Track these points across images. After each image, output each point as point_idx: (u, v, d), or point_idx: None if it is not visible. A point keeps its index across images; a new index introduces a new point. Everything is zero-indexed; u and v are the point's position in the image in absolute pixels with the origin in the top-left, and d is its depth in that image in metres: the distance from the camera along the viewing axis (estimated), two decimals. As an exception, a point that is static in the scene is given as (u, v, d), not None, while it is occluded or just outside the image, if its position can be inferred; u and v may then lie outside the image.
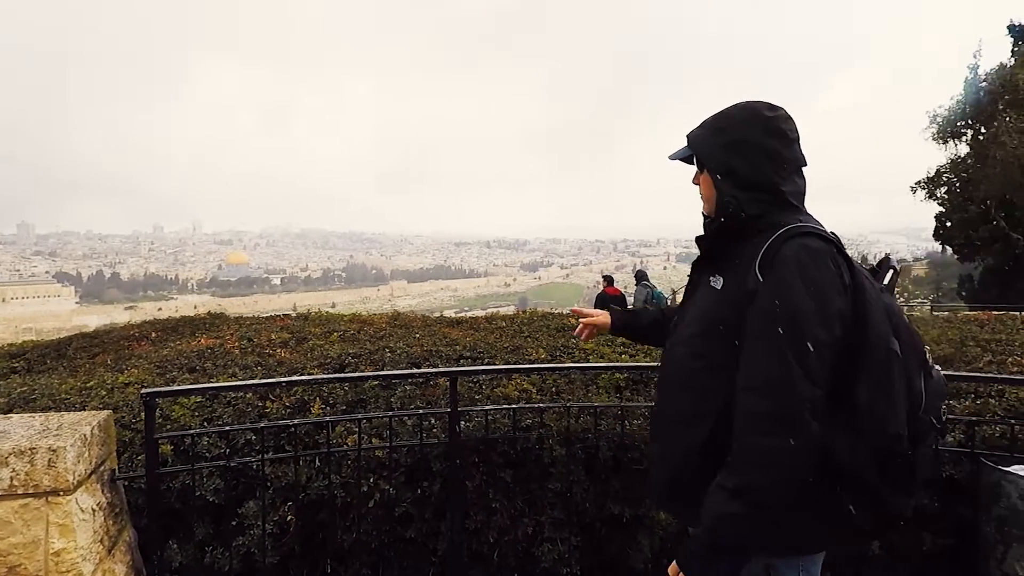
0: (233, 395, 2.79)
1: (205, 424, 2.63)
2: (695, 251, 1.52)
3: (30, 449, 1.83)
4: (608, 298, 9.62)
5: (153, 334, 5.04)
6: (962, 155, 21.87)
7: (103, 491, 2.07)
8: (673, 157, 1.55)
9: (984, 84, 20.24)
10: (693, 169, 1.52)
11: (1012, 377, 2.96)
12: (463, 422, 2.61)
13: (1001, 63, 20.14)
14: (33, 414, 2.19)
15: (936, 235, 23.47)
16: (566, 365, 3.30)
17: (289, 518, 2.48)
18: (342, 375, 3.16)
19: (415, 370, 3.19)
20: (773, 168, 1.36)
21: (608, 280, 10.06)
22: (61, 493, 1.85)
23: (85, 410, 2.66)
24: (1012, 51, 20.35)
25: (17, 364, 4.60)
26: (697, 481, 1.28)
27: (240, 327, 5.02)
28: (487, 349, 3.66)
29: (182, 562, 2.39)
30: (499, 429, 2.66)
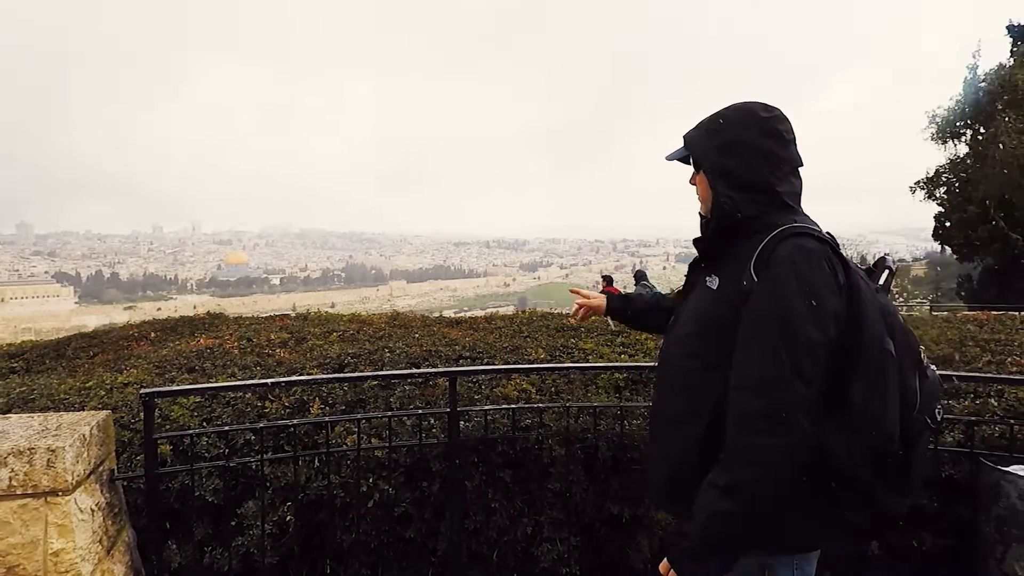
0: (232, 395, 2.79)
1: (204, 424, 2.63)
2: (694, 252, 1.53)
3: (29, 449, 1.83)
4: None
5: (152, 334, 5.03)
6: (961, 155, 21.90)
7: (102, 491, 2.07)
8: (670, 158, 1.56)
9: (983, 84, 20.25)
10: (692, 169, 1.52)
11: (1011, 377, 2.96)
12: (462, 422, 2.61)
13: (1000, 63, 20.16)
14: (32, 414, 2.19)
15: (935, 235, 23.49)
16: (565, 365, 3.30)
17: (288, 518, 2.48)
18: (341, 375, 3.16)
19: (414, 370, 3.19)
20: (769, 169, 1.37)
21: (607, 280, 10.05)
22: (60, 493, 1.85)
23: (84, 410, 2.66)
24: (1011, 51, 20.36)
25: (16, 364, 4.59)
26: (695, 480, 1.28)
27: (239, 327, 5.02)
28: (486, 349, 3.66)
29: (181, 562, 2.38)
30: (498, 429, 2.66)
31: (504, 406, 2.70)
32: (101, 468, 2.10)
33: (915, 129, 22.27)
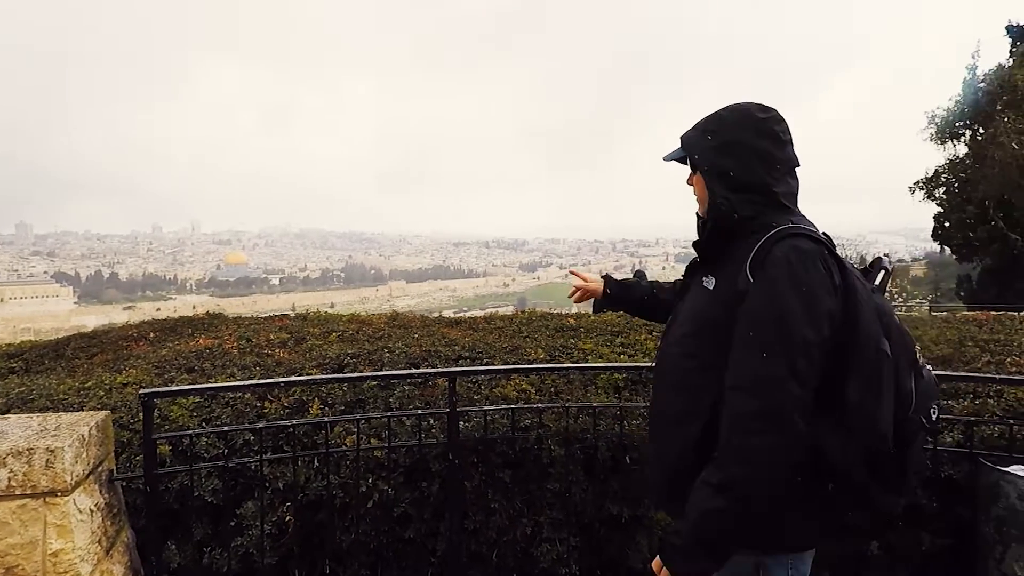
0: (232, 395, 2.78)
1: (203, 424, 2.63)
2: (694, 252, 1.53)
3: (28, 450, 1.83)
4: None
5: (151, 334, 5.03)
6: (960, 156, 21.91)
7: (101, 492, 2.07)
8: (667, 158, 1.57)
9: (982, 85, 20.25)
10: (689, 169, 1.53)
11: (1011, 377, 2.96)
12: (462, 422, 2.61)
13: (999, 64, 20.17)
14: (31, 414, 2.19)
15: (935, 235, 23.51)
16: (565, 365, 3.30)
17: (288, 519, 2.48)
18: (341, 375, 3.16)
19: (414, 370, 3.19)
20: (765, 169, 1.37)
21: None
22: (59, 494, 1.85)
23: (83, 410, 2.66)
24: (1010, 51, 20.38)
25: (15, 364, 4.59)
26: (693, 480, 1.29)
27: (239, 327, 5.02)
28: (486, 349, 3.66)
29: (180, 563, 2.38)
30: (498, 429, 2.66)
31: (503, 406, 2.70)
32: (100, 468, 2.10)
33: (915, 129, 22.31)
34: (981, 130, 20.51)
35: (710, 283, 1.40)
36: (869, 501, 1.26)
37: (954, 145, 21.97)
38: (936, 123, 21.76)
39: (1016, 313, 6.31)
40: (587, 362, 3.50)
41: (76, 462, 1.91)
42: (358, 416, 2.59)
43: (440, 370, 3.04)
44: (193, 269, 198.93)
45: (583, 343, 3.83)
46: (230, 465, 2.40)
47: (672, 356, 1.45)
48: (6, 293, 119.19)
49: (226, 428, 2.49)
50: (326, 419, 2.58)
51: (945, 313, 8.91)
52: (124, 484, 2.30)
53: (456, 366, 3.35)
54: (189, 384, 3.18)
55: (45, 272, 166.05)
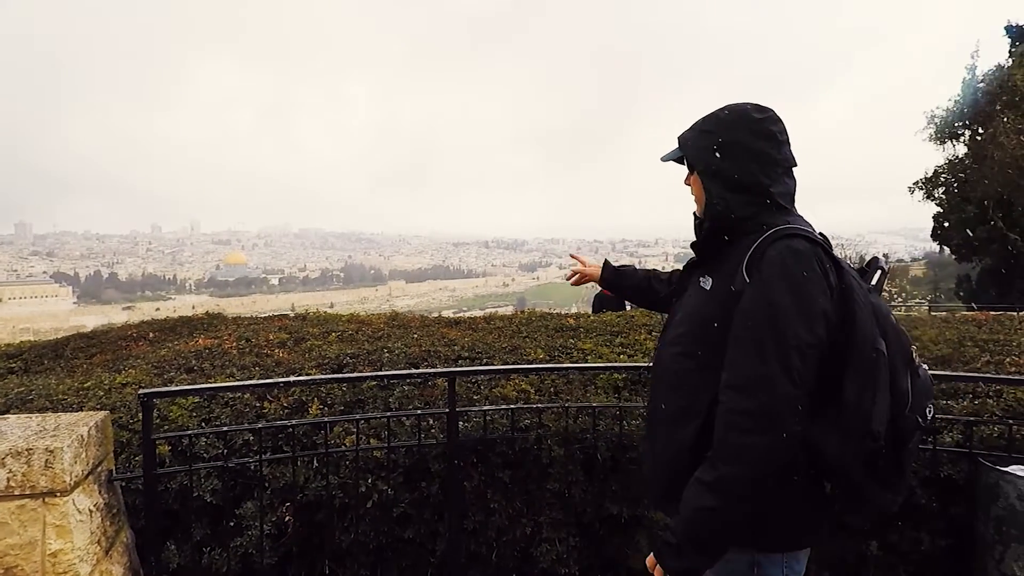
0: (231, 395, 2.78)
1: (203, 425, 2.63)
2: (693, 252, 1.54)
3: (27, 450, 1.83)
4: (606, 298, 9.60)
5: (151, 334, 5.02)
6: (960, 156, 21.91)
7: (100, 492, 2.07)
8: (665, 159, 1.58)
9: (982, 85, 20.26)
10: (687, 170, 1.54)
11: (1010, 377, 2.96)
12: (461, 422, 2.61)
13: (999, 64, 20.18)
14: (30, 415, 2.19)
15: (934, 235, 23.53)
16: (564, 365, 3.30)
17: (287, 519, 2.48)
18: (340, 375, 3.16)
19: (413, 370, 3.19)
20: (762, 170, 1.38)
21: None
22: (58, 494, 1.85)
23: (82, 411, 2.66)
24: (1010, 52, 20.39)
25: (14, 364, 4.58)
26: (689, 479, 1.30)
27: (238, 327, 5.01)
28: (485, 349, 3.66)
29: (180, 563, 2.38)
30: (497, 429, 2.66)
31: (503, 406, 2.70)
32: (99, 469, 2.10)
33: (914, 129, 22.32)
34: (980, 130, 20.51)
35: (707, 283, 1.41)
36: (866, 500, 1.27)
37: (953, 145, 21.99)
38: (935, 123, 21.78)
39: (1015, 313, 6.32)
40: (587, 362, 3.50)
41: (75, 462, 1.90)
42: (357, 416, 2.59)
43: (440, 370, 3.03)
44: (192, 269, 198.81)
45: (583, 343, 3.83)
46: (229, 465, 2.40)
47: (669, 356, 1.46)
48: (5, 293, 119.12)
49: (225, 428, 2.49)
50: (325, 419, 2.58)
51: (944, 313, 8.91)
52: (123, 484, 2.30)
53: (456, 366, 3.35)
54: (188, 384, 3.17)
55: (44, 272, 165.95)
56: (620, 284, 1.94)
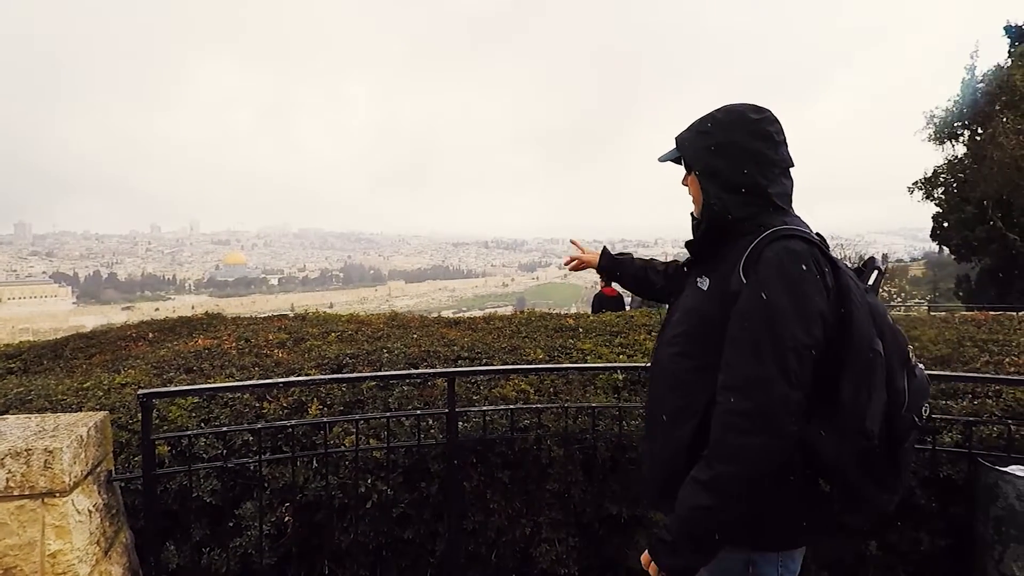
0: (230, 396, 2.78)
1: (202, 425, 2.62)
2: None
3: (26, 450, 1.83)
4: (605, 298, 9.62)
5: (150, 334, 5.02)
6: (959, 156, 21.92)
7: (100, 492, 2.07)
8: (662, 159, 1.58)
9: (981, 85, 20.26)
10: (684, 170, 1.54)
11: (1009, 377, 2.96)
12: (461, 423, 2.61)
13: (998, 64, 20.19)
14: (29, 415, 2.19)
15: (933, 235, 23.54)
16: (564, 366, 3.30)
17: (287, 519, 2.48)
18: (340, 376, 3.15)
19: (413, 371, 3.18)
20: (759, 170, 1.39)
21: (606, 280, 10.05)
22: (57, 494, 1.85)
23: (82, 411, 2.65)
24: (1009, 52, 20.40)
25: (13, 365, 4.57)
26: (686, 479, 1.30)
27: (237, 327, 5.01)
28: (485, 350, 3.66)
29: (179, 563, 2.38)
30: (497, 430, 2.66)
31: (502, 407, 2.70)
32: (99, 469, 2.10)
33: (913, 129, 22.32)
34: (980, 130, 20.52)
35: (704, 283, 1.41)
36: (863, 499, 1.28)
37: (953, 145, 21.99)
38: (935, 123, 21.78)
39: (1015, 313, 6.32)
40: (586, 362, 3.50)
41: (74, 463, 1.90)
42: (357, 416, 2.59)
43: (439, 370, 3.03)
44: (192, 269, 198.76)
45: (582, 343, 3.83)
46: (229, 466, 2.40)
47: (667, 356, 1.47)
48: (4, 293, 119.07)
49: (225, 428, 2.49)
50: (325, 419, 2.58)
51: (944, 313, 8.91)
52: (123, 485, 2.30)
53: (455, 366, 3.35)
54: (188, 384, 3.17)
55: (43, 272, 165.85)
56: (617, 272, 1.96)
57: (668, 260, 1.90)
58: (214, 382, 3.17)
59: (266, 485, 2.46)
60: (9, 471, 1.81)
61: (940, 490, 2.41)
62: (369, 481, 2.53)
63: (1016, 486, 2.12)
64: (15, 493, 1.82)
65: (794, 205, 1.43)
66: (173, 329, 5.22)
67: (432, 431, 2.64)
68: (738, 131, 1.40)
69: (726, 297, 1.31)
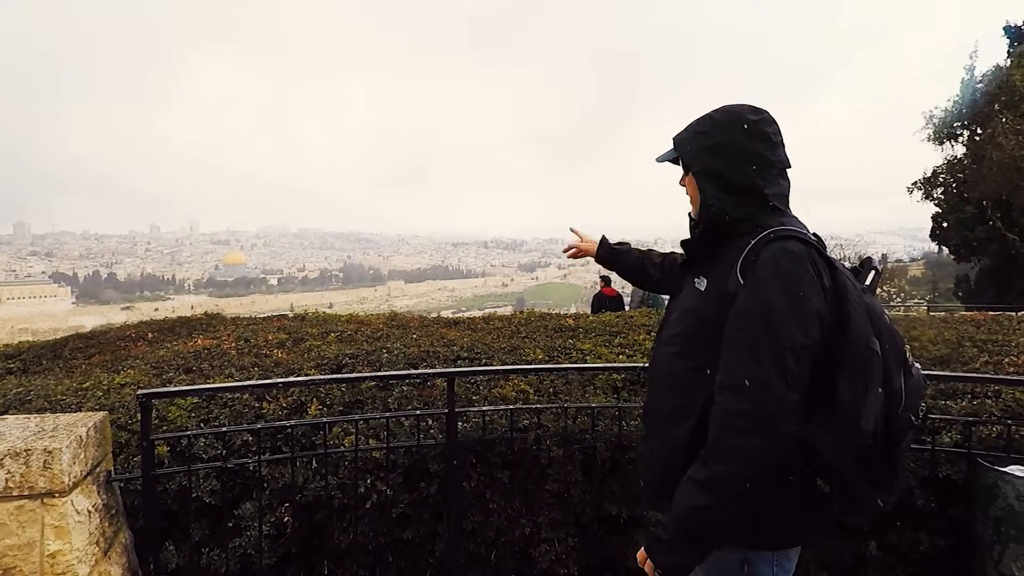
0: (230, 396, 2.78)
1: (202, 425, 2.62)
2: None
3: (25, 451, 1.83)
4: (605, 299, 9.63)
5: (150, 335, 5.02)
6: (959, 156, 21.94)
7: (99, 493, 2.07)
8: (660, 159, 1.59)
9: (980, 85, 20.27)
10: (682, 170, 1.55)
11: (1009, 377, 2.96)
12: (460, 423, 2.61)
13: (997, 64, 20.20)
14: (28, 415, 2.18)
15: (933, 235, 23.55)
16: (563, 366, 3.30)
17: (286, 519, 2.48)
18: (339, 376, 3.15)
19: (412, 371, 3.19)
20: (757, 171, 1.39)
21: (605, 281, 10.05)
22: (56, 495, 1.85)
23: (81, 411, 2.65)
24: (1008, 52, 20.42)
25: (13, 365, 4.57)
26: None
27: (237, 328, 5.01)
28: (484, 350, 3.66)
29: (179, 564, 2.38)
30: (496, 430, 2.66)
31: (502, 407, 2.70)
32: (98, 469, 2.09)
33: (913, 129, 22.33)
34: (979, 130, 20.53)
35: (702, 284, 1.42)
36: (861, 499, 1.28)
37: (952, 145, 22.01)
38: (934, 123, 21.79)
39: (1014, 313, 6.32)
40: (586, 362, 3.50)
41: (74, 463, 1.90)
42: (356, 417, 2.59)
43: (439, 371, 3.03)
44: (191, 269, 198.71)
45: (582, 343, 3.83)
46: (228, 466, 2.40)
47: (665, 356, 1.47)
48: (4, 293, 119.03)
49: (224, 429, 2.49)
50: (324, 420, 2.58)
51: (943, 313, 8.92)
52: (122, 485, 2.30)
53: (455, 367, 3.35)
54: (187, 385, 3.17)
55: (43, 272, 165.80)
56: (614, 262, 1.97)
57: (667, 252, 1.91)
58: (213, 382, 3.17)
59: (265, 485, 2.46)
60: (8, 471, 1.81)
61: (939, 490, 2.41)
62: (369, 481, 2.52)
63: (1015, 486, 2.12)
64: (14, 493, 1.82)
65: (793, 205, 1.44)
66: (172, 329, 5.22)
67: (432, 431, 2.64)
68: (736, 132, 1.40)
69: (724, 298, 1.32)
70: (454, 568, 2.54)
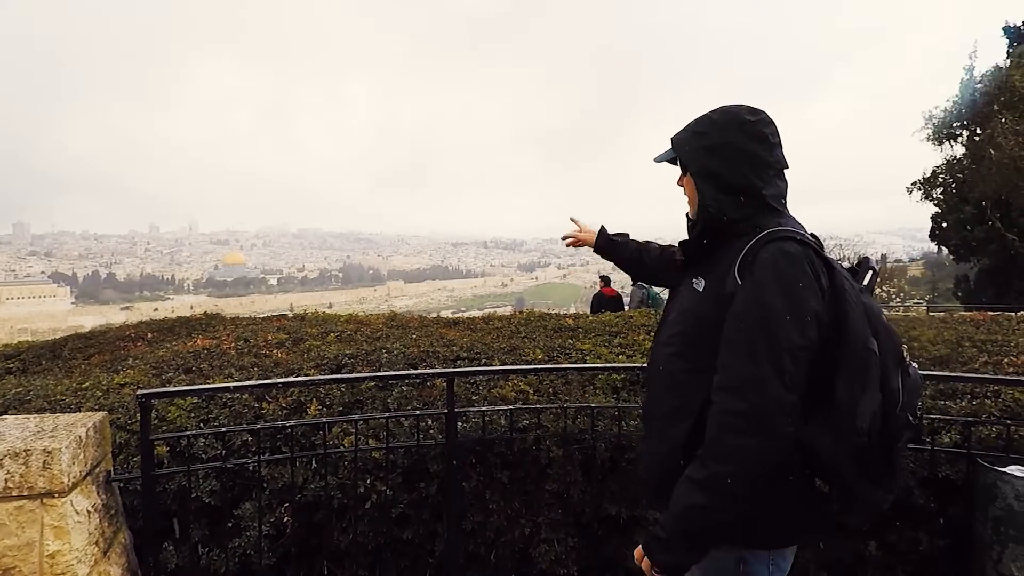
0: (229, 396, 2.78)
1: (201, 425, 2.62)
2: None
3: (25, 451, 1.83)
4: (605, 299, 9.63)
5: (149, 335, 5.02)
6: (958, 156, 21.95)
7: (98, 493, 2.07)
8: (658, 159, 1.59)
9: (980, 86, 20.28)
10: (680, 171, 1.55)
11: (1008, 378, 2.97)
12: (460, 423, 2.61)
13: (996, 65, 20.21)
14: (28, 415, 2.18)
15: (932, 235, 23.55)
16: (563, 366, 3.30)
17: (286, 519, 2.48)
18: (339, 376, 3.15)
19: (412, 371, 3.19)
20: (754, 172, 1.39)
21: (605, 280, 10.05)
22: (56, 495, 1.85)
23: (80, 411, 2.65)
24: (1007, 52, 20.43)
25: (12, 365, 4.57)
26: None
27: (236, 328, 5.01)
28: (484, 350, 3.66)
29: (178, 564, 2.38)
30: (496, 430, 2.66)
31: (502, 407, 2.70)
32: (97, 469, 2.09)
33: (912, 129, 22.34)
34: (978, 131, 20.53)
35: (699, 284, 1.42)
36: (859, 499, 1.29)
37: (951, 146, 22.01)
38: (933, 123, 21.80)
39: (1013, 313, 6.32)
40: (585, 363, 3.50)
41: (73, 463, 1.90)
42: (356, 417, 2.59)
43: (438, 371, 3.04)
44: (191, 269, 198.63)
45: (581, 343, 3.83)
46: (228, 466, 2.40)
47: (663, 356, 1.48)
48: (3, 293, 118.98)
49: (224, 429, 2.49)
50: (324, 420, 2.58)
51: (942, 313, 8.92)
52: (122, 485, 2.29)
53: (454, 367, 3.35)
54: (187, 385, 3.17)
55: (42, 272, 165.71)
56: (612, 253, 1.96)
57: (665, 244, 1.91)
58: (213, 382, 3.17)
59: (265, 485, 2.46)
60: (8, 472, 1.81)
61: (939, 490, 2.42)
62: (368, 481, 2.52)
63: (1015, 486, 2.12)
64: (14, 494, 1.82)
65: (792, 205, 1.44)
66: (172, 329, 5.22)
67: (431, 431, 2.64)
68: (734, 132, 1.40)
69: (721, 298, 1.32)
70: (454, 568, 2.53)
